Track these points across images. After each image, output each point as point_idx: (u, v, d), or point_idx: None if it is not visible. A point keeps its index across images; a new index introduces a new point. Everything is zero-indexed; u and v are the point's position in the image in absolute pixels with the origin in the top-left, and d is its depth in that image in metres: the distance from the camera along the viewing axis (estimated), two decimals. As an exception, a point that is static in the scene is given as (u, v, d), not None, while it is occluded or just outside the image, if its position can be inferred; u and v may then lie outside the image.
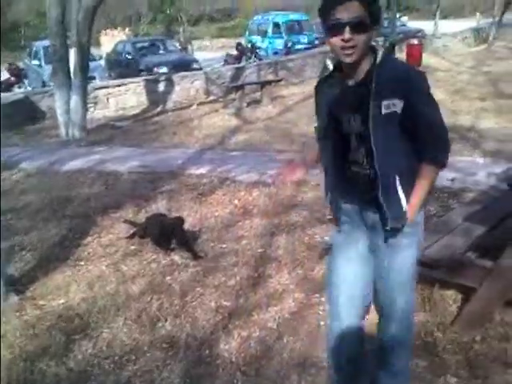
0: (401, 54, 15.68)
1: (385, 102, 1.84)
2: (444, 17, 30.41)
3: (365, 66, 1.92)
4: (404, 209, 1.98)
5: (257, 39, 21.02)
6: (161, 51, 18.35)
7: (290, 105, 11.27)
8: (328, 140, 2.08)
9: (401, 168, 1.95)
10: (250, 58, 16.85)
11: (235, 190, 5.74)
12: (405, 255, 2.09)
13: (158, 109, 12.65)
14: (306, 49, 18.98)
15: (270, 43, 21.02)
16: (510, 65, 13.96)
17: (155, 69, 15.80)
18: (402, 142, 1.93)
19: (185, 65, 16.06)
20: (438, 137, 1.95)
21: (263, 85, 12.23)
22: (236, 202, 5.41)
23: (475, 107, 9.12)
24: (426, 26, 23.70)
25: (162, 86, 13.30)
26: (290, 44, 19.98)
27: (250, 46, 18.36)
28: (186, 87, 13.54)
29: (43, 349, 3.07)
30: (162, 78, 13.63)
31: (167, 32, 30.53)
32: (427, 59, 15.56)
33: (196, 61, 17.27)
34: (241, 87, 12.08)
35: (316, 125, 2.15)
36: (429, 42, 19.08)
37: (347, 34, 1.81)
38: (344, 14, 1.80)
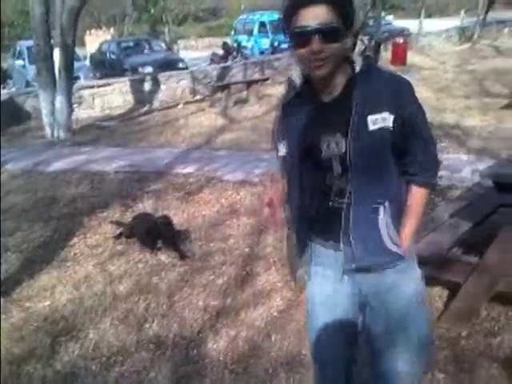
0: (386, 53, 15.79)
1: (371, 117, 1.54)
2: (429, 15, 30.65)
3: (341, 78, 1.61)
4: (387, 243, 1.65)
5: (243, 38, 21.01)
6: (146, 51, 18.29)
7: (277, 104, 11.26)
8: (301, 170, 1.68)
9: (390, 194, 1.64)
10: (235, 58, 16.84)
11: (222, 189, 5.73)
12: (405, 297, 1.72)
13: (144, 108, 12.60)
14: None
15: (256, 42, 21.03)
16: (494, 63, 14.10)
17: (140, 68, 15.75)
18: (391, 163, 1.64)
19: (170, 64, 16.01)
20: (430, 155, 1.69)
21: (249, 84, 12.23)
22: (223, 201, 5.40)
23: (460, 105, 9.19)
24: (412, 24, 23.86)
25: (147, 86, 13.25)
26: (276, 43, 19.98)
27: (235, 45, 18.35)
28: (172, 87, 13.50)
29: (29, 351, 3.05)
30: (148, 77, 13.59)
31: (152, 32, 30.40)
32: (412, 58, 15.67)
33: (182, 60, 17.22)
34: (227, 86, 12.06)
35: (282, 153, 1.71)
36: (414, 41, 19.22)
37: (316, 45, 1.48)
38: (311, 19, 1.48)
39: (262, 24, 21.16)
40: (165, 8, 30.92)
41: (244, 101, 11.84)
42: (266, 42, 20.52)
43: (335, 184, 1.64)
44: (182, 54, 21.76)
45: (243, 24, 22.88)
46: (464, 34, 21.04)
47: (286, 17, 1.55)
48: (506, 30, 20.35)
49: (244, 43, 20.09)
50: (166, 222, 4.40)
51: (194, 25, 41.14)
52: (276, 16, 21.74)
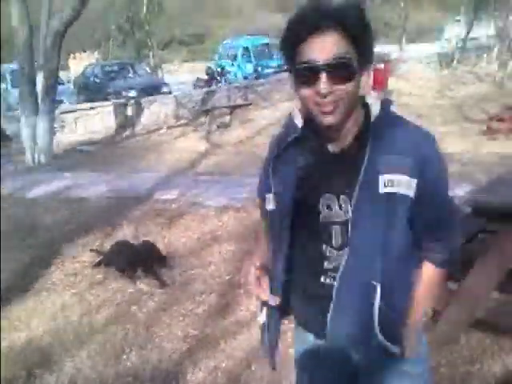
0: (367, 79, 16.01)
1: (385, 177, 1.23)
2: (410, 41, 31.23)
3: (353, 125, 1.30)
4: (380, 338, 1.32)
5: (226, 63, 21.18)
6: (130, 75, 18.35)
7: (260, 128, 11.34)
8: (290, 234, 1.36)
9: (392, 272, 1.30)
10: (219, 82, 16.96)
11: (204, 215, 5.70)
12: None
13: (127, 133, 12.59)
14: (275, 73, 19.19)
15: (240, 67, 21.20)
16: (473, 89, 14.38)
17: (124, 92, 15.77)
18: (402, 236, 1.30)
19: (154, 88, 16.09)
20: (451, 229, 1.38)
21: (233, 108, 12.33)
22: (205, 226, 5.37)
23: (440, 131, 9.32)
24: (393, 50, 24.30)
25: (131, 110, 13.26)
26: (259, 68, 20.17)
27: (219, 70, 18.50)
28: (156, 111, 13.53)
29: (3, 385, 2.97)
30: (131, 101, 13.60)
31: (137, 56, 30.53)
32: (393, 83, 15.91)
33: (166, 84, 17.31)
34: (211, 111, 12.13)
35: (269, 208, 1.39)
36: (395, 67, 19.54)
37: (324, 85, 1.18)
38: (317, 52, 1.17)
39: (246, 49, 21.37)
40: (149, 32, 31.15)
41: (227, 125, 11.90)
42: (249, 67, 20.69)
43: (333, 257, 1.31)
44: (166, 78, 21.85)
45: (227, 49, 23.08)
46: (444, 59, 21.45)
47: (285, 46, 1.25)
48: (485, 55, 20.76)
49: (228, 68, 20.25)
50: (147, 248, 4.36)
51: (179, 49, 41.42)
52: (259, 41, 22.06)
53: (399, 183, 1.23)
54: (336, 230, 1.30)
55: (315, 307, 1.37)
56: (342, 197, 1.28)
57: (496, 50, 16.81)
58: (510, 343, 2.92)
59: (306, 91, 1.22)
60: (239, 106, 12.81)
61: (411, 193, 1.24)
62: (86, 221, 5.82)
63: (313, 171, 1.33)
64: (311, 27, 1.17)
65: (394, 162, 1.24)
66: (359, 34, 1.20)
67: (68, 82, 18.88)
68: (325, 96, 1.19)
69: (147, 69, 21.75)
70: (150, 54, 30.22)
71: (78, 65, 25.79)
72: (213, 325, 3.48)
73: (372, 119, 1.29)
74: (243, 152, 9.11)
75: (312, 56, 1.18)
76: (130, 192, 6.90)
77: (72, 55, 30.01)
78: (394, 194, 1.23)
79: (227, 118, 12.18)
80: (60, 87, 11.25)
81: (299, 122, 1.37)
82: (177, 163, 8.76)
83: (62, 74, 15.32)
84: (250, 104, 13.72)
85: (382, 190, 1.23)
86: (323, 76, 1.18)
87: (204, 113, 12.31)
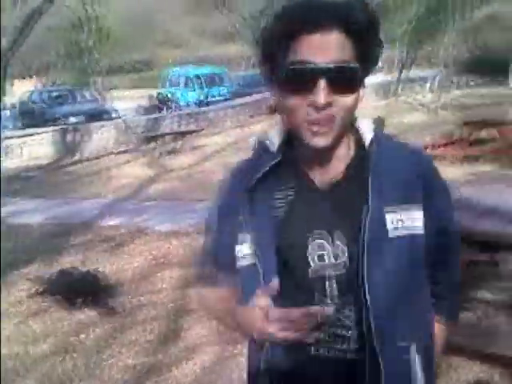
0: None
1: (392, 217, 0.99)
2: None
3: (345, 151, 1.05)
4: None
5: (176, 90, 21.26)
6: (77, 100, 18.12)
7: (209, 154, 11.39)
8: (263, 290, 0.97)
9: (419, 333, 1.05)
10: (169, 109, 16.99)
11: (153, 241, 5.65)
12: None
13: (74, 158, 12.36)
14: (225, 100, 19.43)
15: (190, 94, 21.31)
16: (415, 117, 14.97)
17: (71, 118, 15.55)
18: (421, 282, 1.08)
19: (102, 114, 15.96)
20: (456, 268, 1.20)
21: (182, 134, 12.36)
22: (154, 252, 5.32)
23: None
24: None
25: (77, 136, 13.06)
26: (209, 96, 20.35)
27: (169, 96, 18.55)
28: (103, 136, 13.37)
29: None
30: (78, 127, 13.42)
31: (84, 81, 30.18)
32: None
33: (114, 110, 17.18)
34: (159, 137, 12.11)
35: (244, 264, 1.04)
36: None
37: (323, 96, 0.91)
38: (318, 51, 0.92)
39: (196, 77, 21.53)
40: (97, 58, 30.92)
41: (177, 151, 11.89)
42: (199, 94, 20.84)
43: (329, 318, 0.95)
44: (114, 104, 21.68)
45: (177, 76, 23.20)
46: (388, 88, 22.27)
47: (270, 40, 0.97)
48: (428, 84, 21.64)
49: (177, 95, 20.32)
50: (94, 275, 4.28)
51: (127, 75, 41.26)
52: (209, 69, 22.30)
53: (410, 220, 1.00)
54: (330, 284, 1.00)
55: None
56: (337, 242, 1.01)
57: (430, 81, 17.64)
58: (459, 361, 2.97)
59: (296, 100, 0.94)
60: (189, 132, 12.85)
61: (422, 229, 1.02)
62: (30, 248, 5.66)
63: (296, 210, 1.03)
64: (311, 22, 0.91)
65: (398, 196, 1.00)
66: (366, 37, 0.95)
67: (13, 107, 18.41)
68: (322, 108, 0.92)
69: (95, 94, 21.51)
70: (98, 79, 29.95)
71: (23, 90, 25.19)
72: (163, 351, 3.43)
73: (366, 144, 1.04)
74: (192, 178, 9.11)
75: (309, 56, 0.91)
76: (76, 218, 6.76)
77: (17, 80, 29.33)
78: (406, 235, 1.00)
79: (177, 144, 12.18)
80: (4, 113, 10.96)
81: (274, 145, 1.08)
82: (125, 189, 8.66)
83: (7, 100, 14.96)
84: (201, 130, 13.79)
85: (391, 232, 0.98)
86: (322, 82, 0.91)
87: (153, 138, 12.27)
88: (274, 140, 1.08)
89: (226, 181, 1.14)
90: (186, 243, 5.46)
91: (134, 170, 10.29)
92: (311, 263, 1.01)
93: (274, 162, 1.04)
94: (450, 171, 8.01)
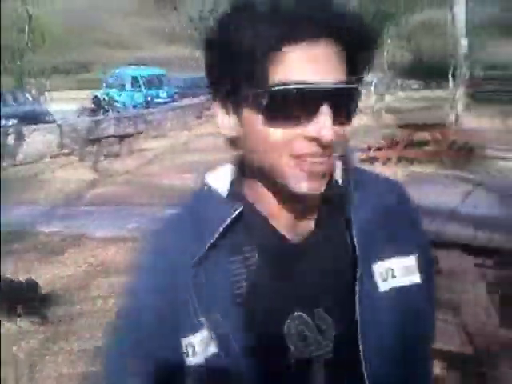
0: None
1: (380, 268, 0.77)
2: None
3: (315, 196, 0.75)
4: None
5: (114, 92, 20.87)
6: (11, 103, 17.42)
7: (150, 158, 11.25)
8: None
9: None
10: (107, 111, 16.64)
11: (91, 247, 5.51)
12: None
13: (6, 163, 11.86)
14: (165, 103, 19.24)
15: (129, 96, 20.98)
16: (361, 120, 15.33)
17: (4, 121, 14.93)
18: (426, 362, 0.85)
19: (36, 117, 15.43)
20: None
21: (122, 138, 12.11)
22: (92, 259, 5.19)
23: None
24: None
25: (11, 139, 12.55)
26: (149, 98, 20.10)
27: (107, 98, 18.17)
28: (38, 140, 12.90)
29: None
30: (11, 130, 12.91)
31: (19, 83, 29.14)
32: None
33: (49, 113, 16.65)
34: (98, 140, 11.82)
35: (204, 358, 0.73)
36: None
37: (329, 126, 0.66)
38: (317, 70, 0.67)
39: (135, 79, 21.23)
40: (32, 60, 29.96)
41: (116, 155, 11.65)
42: (139, 97, 20.55)
43: None
44: (50, 107, 21.01)
45: (116, 78, 22.78)
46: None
47: (232, 54, 0.68)
48: (372, 88, 22.03)
49: (116, 97, 19.95)
50: (28, 284, 4.12)
51: (64, 77, 40.14)
52: (149, 71, 22.03)
53: (408, 272, 0.79)
54: (317, 368, 0.75)
55: None
56: (321, 313, 0.76)
57: (374, 84, 18.09)
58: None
59: (285, 134, 0.68)
60: (128, 136, 12.61)
61: (419, 278, 0.80)
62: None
63: (266, 280, 0.75)
64: (305, 32, 0.66)
65: (386, 242, 0.79)
66: (362, 56, 0.73)
67: None
68: (324, 144, 0.67)
69: (29, 97, 20.77)
70: (33, 81, 29.01)
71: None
72: (100, 361, 3.34)
73: (340, 182, 0.80)
74: (132, 182, 8.96)
75: (306, 76, 0.66)
76: (9, 225, 6.48)
77: None
78: (400, 287, 0.78)
79: (116, 148, 11.93)
80: None
81: (226, 188, 0.79)
82: (61, 194, 8.40)
83: None
84: (140, 133, 13.57)
85: (381, 287, 0.76)
86: (325, 109, 0.67)
87: (91, 142, 11.96)
88: (226, 182, 0.79)
89: (152, 243, 0.81)
90: (125, 249, 5.36)
91: (72, 175, 10.00)
92: (290, 345, 0.74)
93: (235, 214, 0.74)
94: (382, 172, 8.28)
